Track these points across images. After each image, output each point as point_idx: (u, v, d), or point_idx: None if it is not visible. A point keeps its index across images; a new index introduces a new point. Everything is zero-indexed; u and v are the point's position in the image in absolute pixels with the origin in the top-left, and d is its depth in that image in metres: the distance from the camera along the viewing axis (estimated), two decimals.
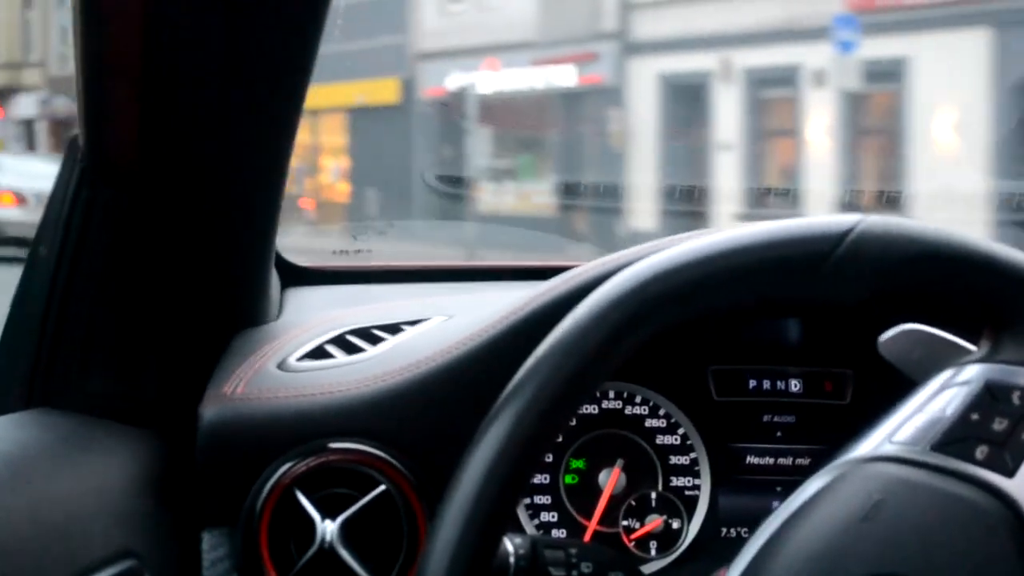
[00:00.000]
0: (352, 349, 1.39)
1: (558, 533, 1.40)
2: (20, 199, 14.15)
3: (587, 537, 1.39)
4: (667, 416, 1.43)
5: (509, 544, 1.04)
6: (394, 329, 1.43)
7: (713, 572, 0.91)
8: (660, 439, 1.42)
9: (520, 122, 17.61)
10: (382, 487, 1.25)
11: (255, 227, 1.42)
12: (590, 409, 1.42)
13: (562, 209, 8.37)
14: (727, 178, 14.65)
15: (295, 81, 1.29)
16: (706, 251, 0.89)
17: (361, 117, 19.64)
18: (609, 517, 1.40)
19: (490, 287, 1.71)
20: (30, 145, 27.92)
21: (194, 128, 1.27)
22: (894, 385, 1.42)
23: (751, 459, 1.43)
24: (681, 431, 1.43)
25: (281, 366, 1.36)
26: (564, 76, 17.83)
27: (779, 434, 1.43)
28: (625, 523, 1.39)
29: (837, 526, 0.80)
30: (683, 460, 1.42)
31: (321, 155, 20.32)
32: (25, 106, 29.14)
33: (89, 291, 1.32)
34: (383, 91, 19.41)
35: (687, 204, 2.35)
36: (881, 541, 0.77)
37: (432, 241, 2.76)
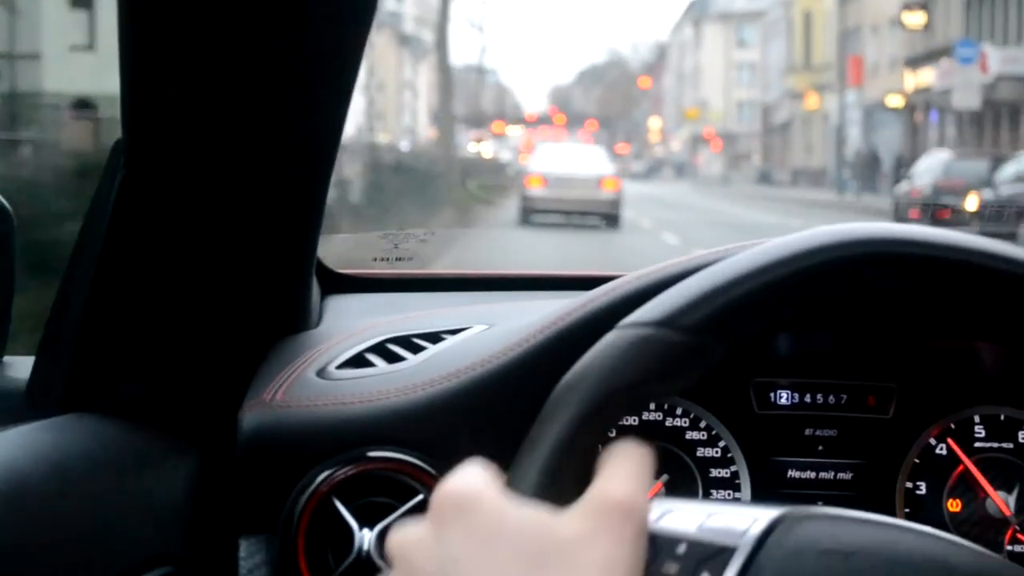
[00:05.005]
0: (392, 357, 1.39)
1: None
2: None
3: None
4: (708, 428, 1.41)
5: None
6: (434, 338, 1.42)
7: None
8: (701, 451, 1.41)
9: None
10: (420, 496, 1.24)
11: (296, 235, 1.42)
12: (630, 420, 1.41)
13: None
14: None
15: (339, 89, 1.29)
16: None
17: None
18: None
19: (531, 297, 1.70)
20: None
21: (237, 137, 1.27)
22: (937, 400, 1.41)
23: (792, 473, 1.41)
24: (722, 444, 1.41)
25: (321, 374, 1.36)
26: None
27: (821, 448, 1.42)
28: None
29: None
30: (724, 473, 1.41)
31: None
32: None
33: (129, 297, 1.32)
34: None
35: None
36: None
37: None
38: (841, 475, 1.41)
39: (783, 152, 52.05)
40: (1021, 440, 1.40)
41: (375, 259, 1.97)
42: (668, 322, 0.80)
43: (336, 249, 1.86)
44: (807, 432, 1.42)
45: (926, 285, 0.85)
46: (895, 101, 37.91)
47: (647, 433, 1.41)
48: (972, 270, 0.85)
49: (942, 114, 33.64)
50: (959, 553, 0.77)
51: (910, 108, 37.01)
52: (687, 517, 0.77)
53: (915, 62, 36.57)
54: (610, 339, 0.80)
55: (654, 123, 79.45)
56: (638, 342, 0.79)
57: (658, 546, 0.75)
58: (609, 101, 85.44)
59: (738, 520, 0.77)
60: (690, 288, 0.82)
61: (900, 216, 15.62)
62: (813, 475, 1.41)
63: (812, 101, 47.78)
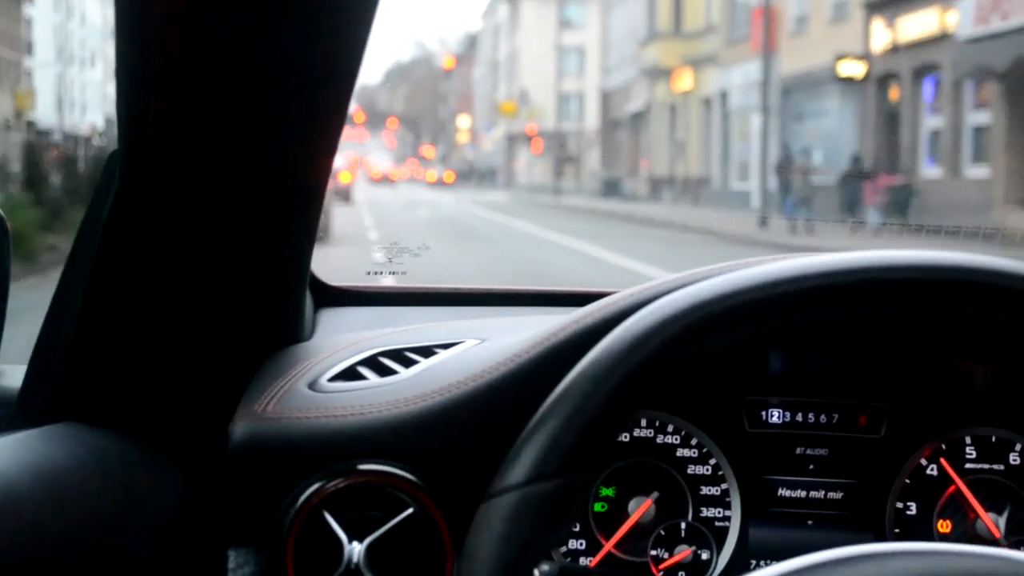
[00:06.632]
0: (384, 371, 1.39)
1: (585, 561, 1.39)
2: None
3: (596, 560, 1.37)
4: (699, 446, 1.41)
5: (536, 572, 1.03)
6: (427, 352, 1.42)
7: None
8: (691, 469, 1.41)
9: None
10: (410, 510, 1.24)
11: (290, 247, 1.42)
12: (621, 437, 1.41)
13: None
14: None
15: (334, 101, 1.30)
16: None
17: None
18: (638, 546, 1.38)
19: (523, 312, 1.70)
20: None
21: (232, 150, 1.28)
22: (928, 420, 1.41)
23: (783, 491, 1.41)
24: (713, 461, 1.41)
25: (312, 386, 1.36)
26: None
27: (811, 467, 1.42)
28: (654, 553, 1.38)
29: None
30: (714, 491, 1.41)
31: None
32: None
33: (123, 308, 1.32)
34: None
35: None
36: None
37: None
38: (832, 494, 1.41)
39: (633, 154, 39.51)
40: (1012, 462, 1.40)
41: (368, 272, 1.97)
42: (534, 477, 0.81)
43: (330, 262, 1.86)
44: (798, 451, 1.42)
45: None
46: (852, 69, 24.60)
47: (637, 450, 1.41)
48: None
49: (957, 86, 20.96)
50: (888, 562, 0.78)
51: (881, 79, 23.92)
52: None
53: (892, 4, 23.05)
54: (486, 511, 0.81)
55: (463, 122, 68.44)
56: (516, 505, 0.80)
57: None
58: (415, 99, 79.19)
59: None
60: (538, 433, 0.83)
61: None
62: (804, 494, 1.41)
63: (684, 80, 33.86)
